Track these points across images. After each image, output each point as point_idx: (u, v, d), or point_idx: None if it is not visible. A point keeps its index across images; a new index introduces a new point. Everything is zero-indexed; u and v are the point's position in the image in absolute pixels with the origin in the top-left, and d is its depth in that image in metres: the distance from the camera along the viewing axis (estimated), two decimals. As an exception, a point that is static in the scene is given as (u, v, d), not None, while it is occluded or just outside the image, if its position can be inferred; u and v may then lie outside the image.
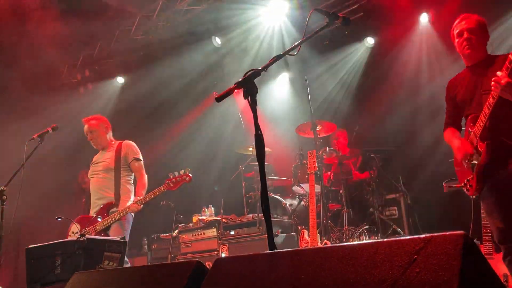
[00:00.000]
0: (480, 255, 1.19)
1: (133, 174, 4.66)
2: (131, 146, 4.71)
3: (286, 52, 2.46)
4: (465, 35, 3.12)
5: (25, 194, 4.08)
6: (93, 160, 4.81)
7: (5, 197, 3.86)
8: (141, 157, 4.68)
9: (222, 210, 6.17)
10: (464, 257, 1.11)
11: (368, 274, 1.25)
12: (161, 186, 4.31)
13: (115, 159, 4.57)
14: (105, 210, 4.38)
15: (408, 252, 1.22)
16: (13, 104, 6.87)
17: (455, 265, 1.10)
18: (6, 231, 3.79)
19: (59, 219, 3.96)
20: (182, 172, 4.39)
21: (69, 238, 4.19)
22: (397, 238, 1.33)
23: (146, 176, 4.60)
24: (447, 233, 1.19)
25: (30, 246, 3.48)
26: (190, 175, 4.40)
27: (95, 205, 4.52)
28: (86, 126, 4.74)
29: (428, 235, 1.22)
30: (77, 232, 4.14)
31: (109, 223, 4.25)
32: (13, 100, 6.82)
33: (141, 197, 4.31)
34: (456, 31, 3.20)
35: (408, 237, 1.26)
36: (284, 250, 1.57)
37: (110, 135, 4.81)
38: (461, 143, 3.10)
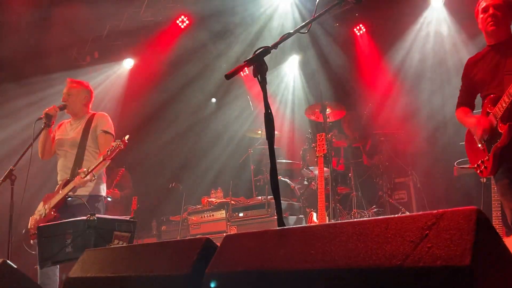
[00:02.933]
0: (493, 230, 1.17)
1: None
2: (104, 117, 4.20)
3: (297, 30, 2.41)
4: (491, 11, 2.98)
5: (35, 175, 4.07)
6: (63, 129, 4.29)
7: (14, 176, 3.85)
8: (112, 132, 4.15)
9: (231, 192, 6.20)
10: (477, 232, 1.09)
11: (379, 249, 1.23)
12: (99, 156, 3.88)
13: (82, 132, 4.09)
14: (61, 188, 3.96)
15: (420, 227, 1.20)
16: (23, 85, 6.90)
17: (468, 240, 1.08)
18: (16, 210, 3.81)
19: (69, 199, 4.00)
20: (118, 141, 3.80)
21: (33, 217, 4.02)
22: (409, 214, 1.31)
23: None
24: (460, 208, 1.17)
25: (41, 224, 3.51)
26: (126, 141, 3.75)
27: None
28: (66, 87, 4.26)
29: (440, 210, 1.21)
30: (40, 211, 4.02)
31: (58, 199, 3.81)
32: (23, 80, 6.84)
33: (84, 169, 3.80)
34: (481, 6, 3.07)
35: (420, 213, 1.24)
36: (294, 226, 1.56)
37: (87, 105, 4.30)
38: (478, 120, 2.98)
